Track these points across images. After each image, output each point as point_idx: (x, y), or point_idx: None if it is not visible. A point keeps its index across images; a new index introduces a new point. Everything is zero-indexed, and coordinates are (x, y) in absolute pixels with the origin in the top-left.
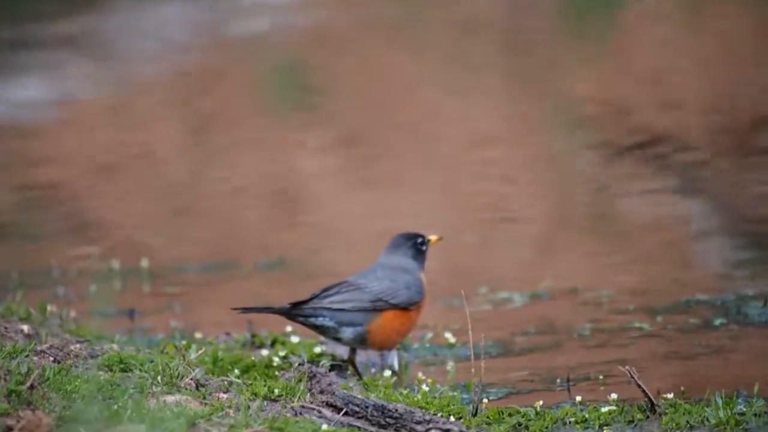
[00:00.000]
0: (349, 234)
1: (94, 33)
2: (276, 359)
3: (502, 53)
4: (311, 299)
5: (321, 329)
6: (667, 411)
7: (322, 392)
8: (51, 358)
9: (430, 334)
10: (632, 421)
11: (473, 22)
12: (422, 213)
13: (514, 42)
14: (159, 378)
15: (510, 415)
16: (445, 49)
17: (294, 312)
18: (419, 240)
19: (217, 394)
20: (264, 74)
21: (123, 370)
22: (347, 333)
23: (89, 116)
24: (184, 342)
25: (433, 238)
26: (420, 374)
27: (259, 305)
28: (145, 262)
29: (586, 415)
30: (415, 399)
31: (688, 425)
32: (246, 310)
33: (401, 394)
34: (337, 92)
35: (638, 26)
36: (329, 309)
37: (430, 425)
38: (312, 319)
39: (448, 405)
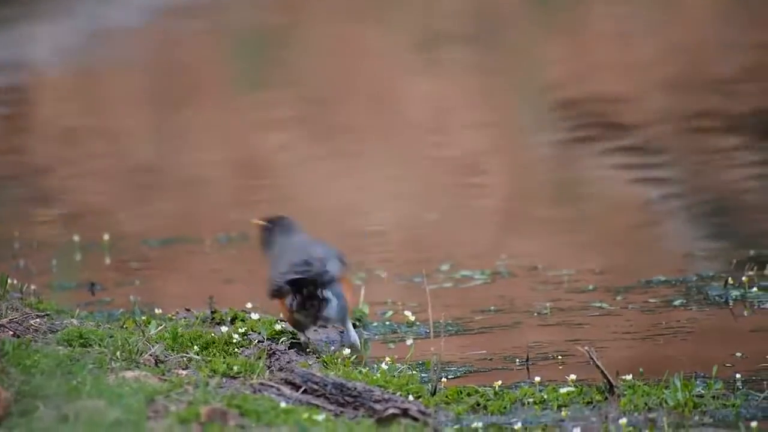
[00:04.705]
0: (311, 207)
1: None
2: (236, 336)
3: (468, 30)
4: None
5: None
6: (625, 392)
7: (281, 370)
8: (10, 333)
9: (390, 312)
10: (591, 402)
11: None
12: (384, 186)
13: (481, 19)
14: (118, 353)
15: (469, 394)
16: (412, 23)
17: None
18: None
19: (176, 371)
20: (229, 47)
21: (82, 345)
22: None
23: (55, 87)
24: (144, 317)
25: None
26: (379, 352)
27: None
28: (106, 236)
29: (545, 396)
30: (374, 377)
31: (647, 407)
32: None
33: (360, 372)
34: (302, 65)
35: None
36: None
37: (389, 404)
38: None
39: (407, 384)
